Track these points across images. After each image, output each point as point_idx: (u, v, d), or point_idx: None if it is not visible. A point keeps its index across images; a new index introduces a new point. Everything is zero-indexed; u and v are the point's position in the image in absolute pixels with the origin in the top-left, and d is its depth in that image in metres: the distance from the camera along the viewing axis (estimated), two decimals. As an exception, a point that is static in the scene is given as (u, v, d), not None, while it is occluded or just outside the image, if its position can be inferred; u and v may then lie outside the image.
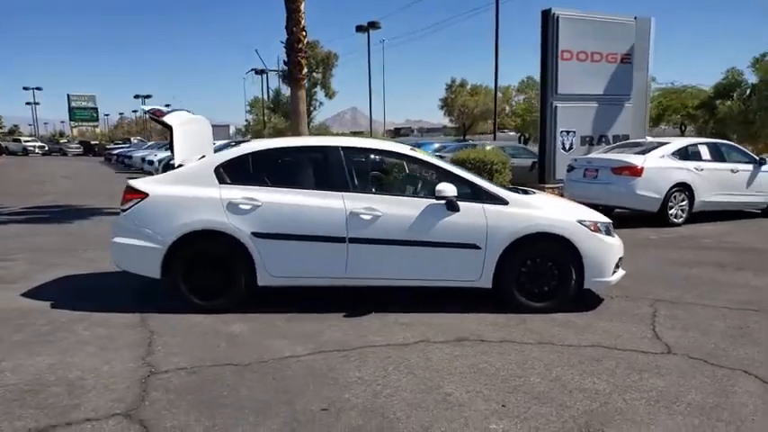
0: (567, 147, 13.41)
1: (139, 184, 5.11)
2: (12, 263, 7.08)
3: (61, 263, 7.07)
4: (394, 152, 5.46)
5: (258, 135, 45.71)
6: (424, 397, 3.42)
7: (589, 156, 11.56)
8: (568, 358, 4.02)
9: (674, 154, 10.42)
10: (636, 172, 9.99)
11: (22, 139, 63.60)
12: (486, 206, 4.99)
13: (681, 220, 10.22)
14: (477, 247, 4.95)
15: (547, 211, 5.12)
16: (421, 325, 4.71)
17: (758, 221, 10.87)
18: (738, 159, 11.06)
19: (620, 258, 5.26)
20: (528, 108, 45.38)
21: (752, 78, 20.81)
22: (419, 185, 5.61)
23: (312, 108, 48.83)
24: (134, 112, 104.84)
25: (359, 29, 32.78)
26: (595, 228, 5.09)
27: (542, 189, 9.85)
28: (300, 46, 10.79)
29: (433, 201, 4.94)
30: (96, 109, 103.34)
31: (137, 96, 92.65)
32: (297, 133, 10.80)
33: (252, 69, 50.51)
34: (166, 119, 5.38)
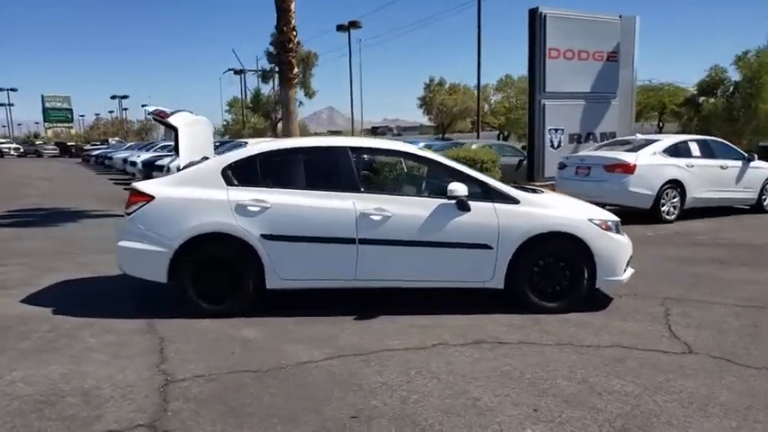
0: (556, 144, 13.48)
1: (145, 186, 4.96)
2: (6, 268, 6.86)
3: (56, 267, 6.86)
4: (403, 152, 5.39)
5: (237, 135, 45.20)
6: (452, 402, 3.35)
7: (581, 153, 11.62)
8: (590, 359, 3.99)
9: (665, 151, 10.53)
10: (628, 169, 10.07)
11: (-3, 141, 62.17)
12: (498, 205, 4.95)
13: (673, 216, 10.33)
14: (489, 247, 4.90)
15: (558, 210, 5.09)
16: (435, 327, 4.66)
17: (748, 217, 11.03)
18: (727, 156, 11.22)
19: (630, 257, 5.26)
20: (510, 107, 45.63)
21: (735, 76, 21.22)
22: (426, 185, 5.55)
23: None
24: (110, 112, 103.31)
25: (339, 28, 32.61)
26: (606, 226, 5.08)
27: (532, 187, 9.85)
28: (291, 46, 10.65)
29: (444, 201, 4.88)
30: (71, 110, 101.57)
31: (113, 97, 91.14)
32: (288, 133, 10.68)
33: (229, 69, 49.97)
34: (171, 120, 5.24)
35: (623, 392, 3.48)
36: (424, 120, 66.83)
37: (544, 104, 13.14)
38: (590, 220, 5.03)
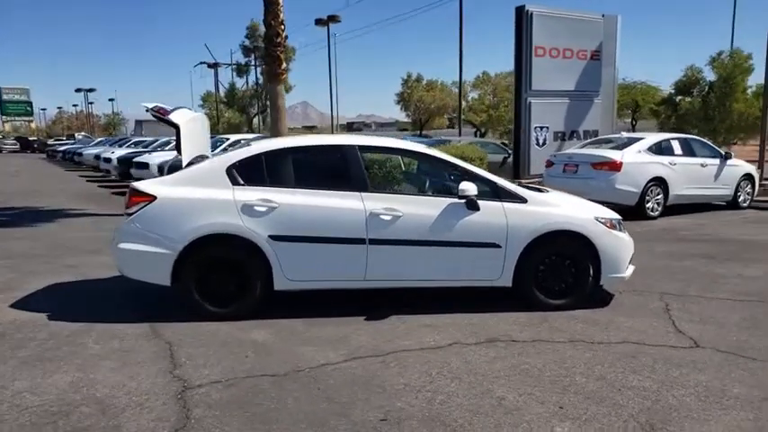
0: (541, 142, 13.63)
1: (146, 186, 4.84)
2: (-12, 271, 6.63)
3: (41, 270, 6.67)
4: (411, 151, 5.37)
5: (211, 130, 44.52)
6: (478, 402, 3.36)
7: (568, 151, 11.76)
8: (604, 356, 4.04)
9: (649, 149, 10.73)
10: (615, 167, 10.23)
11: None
12: (506, 204, 4.96)
13: (656, 213, 10.53)
14: (498, 246, 4.92)
15: (564, 208, 5.14)
16: (445, 326, 4.65)
17: (725, 213, 11.30)
18: (706, 154, 11.47)
19: (632, 254, 5.33)
20: (490, 104, 45.83)
21: (710, 76, 21.74)
22: (430, 184, 5.54)
23: (268, 102, 48.11)
24: (74, 106, 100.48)
25: (318, 22, 32.38)
26: (611, 225, 5.14)
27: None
28: (279, 40, 10.51)
29: (454, 200, 4.88)
30: (30, 103, 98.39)
31: (78, 90, 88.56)
32: (276, 129, 10.55)
33: (201, 62, 49.17)
34: (172, 117, 5.11)
35: (642, 388, 3.52)
36: (400, 116, 66.86)
37: (530, 102, 13.27)
38: (596, 218, 5.09)
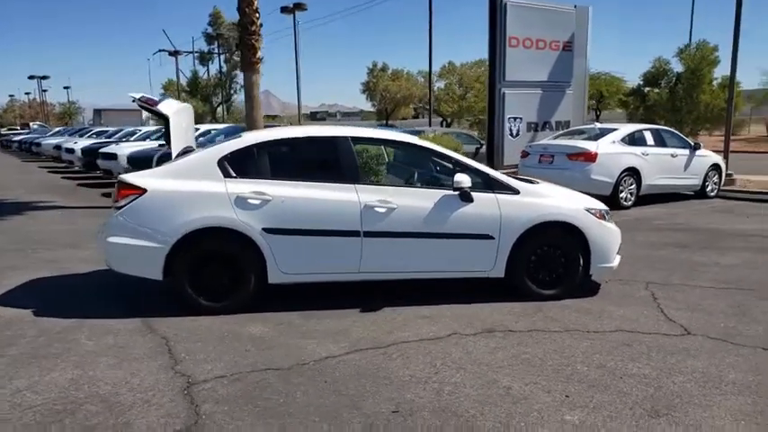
0: (515, 133, 13.75)
1: (135, 178, 4.72)
2: (-39, 266, 6.38)
3: (17, 265, 6.45)
4: (403, 142, 5.36)
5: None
6: (486, 392, 3.40)
7: (543, 142, 11.91)
8: (601, 345, 4.13)
9: (622, 140, 10.96)
10: (590, 157, 10.42)
11: None
12: (499, 196, 5.01)
13: (630, 203, 10.78)
14: (491, 238, 4.97)
15: (556, 199, 5.22)
16: (441, 317, 4.69)
17: (694, 203, 11.63)
18: (676, 144, 11.78)
19: (620, 244, 5.46)
20: (458, 94, 46.01)
21: (678, 67, 22.31)
22: (425, 176, 5.55)
23: (232, 91, 47.35)
24: (27, 93, 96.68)
25: (284, 10, 31.86)
26: (600, 215, 5.25)
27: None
28: (254, 28, 10.31)
29: (448, 192, 4.91)
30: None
31: (32, 77, 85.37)
32: (251, 120, 10.38)
33: (161, 50, 47.98)
34: (161, 108, 5.00)
35: (642, 375, 3.62)
36: (364, 105, 66.62)
37: (504, 93, 13.36)
38: (587, 209, 5.18)
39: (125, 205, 4.63)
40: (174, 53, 47.20)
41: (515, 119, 13.76)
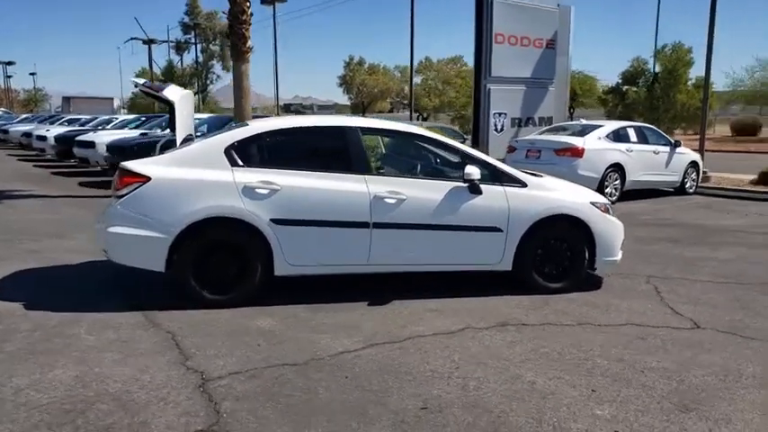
0: (499, 128, 13.79)
1: (138, 166, 4.52)
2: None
3: (2, 256, 6.16)
4: (412, 134, 5.28)
5: (147, 110, 42.73)
6: (511, 387, 3.34)
7: (530, 137, 11.95)
8: (616, 338, 4.12)
9: (607, 136, 11.07)
10: (577, 153, 10.49)
11: None
12: (507, 189, 4.97)
13: (614, 198, 10.88)
14: (500, 230, 4.92)
15: (562, 192, 5.20)
16: (450, 311, 4.63)
17: (675, 199, 11.84)
18: (658, 141, 11.97)
19: (623, 239, 5.47)
20: (431, 89, 46.12)
21: (655, 67, 22.70)
22: (432, 167, 5.47)
23: (209, 81, 46.57)
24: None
25: (264, 1, 31.44)
26: (605, 209, 5.25)
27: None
28: (245, 17, 10.06)
29: (457, 183, 4.85)
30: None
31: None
32: (240, 110, 10.15)
33: (133, 38, 46.76)
34: (166, 94, 4.80)
35: (662, 369, 3.61)
36: (339, 98, 66.27)
37: (489, 89, 13.37)
38: (592, 203, 5.17)
39: (127, 194, 4.44)
40: (149, 42, 46.11)
41: (500, 114, 13.79)
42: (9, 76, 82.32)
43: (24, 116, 34.68)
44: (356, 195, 4.64)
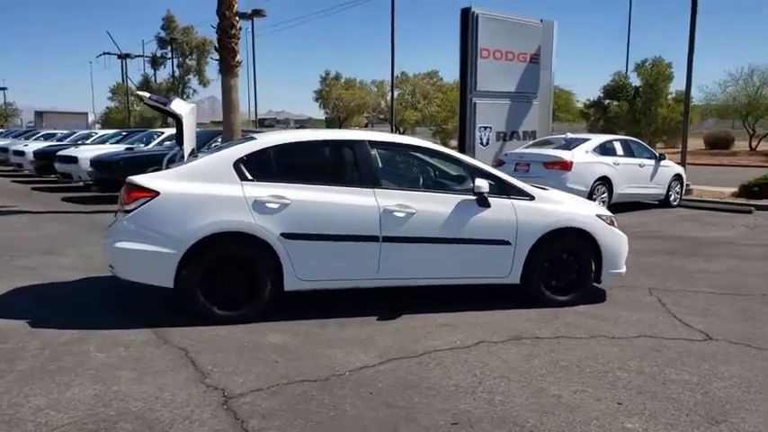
0: (485, 142, 13.90)
1: (146, 180, 4.43)
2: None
3: (-4, 273, 5.98)
4: (420, 147, 5.27)
5: (122, 124, 42.19)
6: (537, 401, 3.33)
7: (518, 150, 12.07)
8: (631, 350, 4.14)
9: (595, 149, 11.25)
10: (566, 166, 10.63)
11: None
12: (516, 202, 4.99)
13: (603, 211, 11.02)
14: (508, 243, 4.93)
15: (569, 205, 5.25)
16: (462, 325, 4.61)
17: (660, 211, 12.03)
18: (643, 155, 12.19)
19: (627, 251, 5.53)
20: (418, 103, 46.34)
21: (636, 81, 23.24)
22: (439, 181, 5.47)
23: (185, 96, 46.15)
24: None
25: (242, 16, 31.32)
26: (610, 222, 5.31)
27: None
28: (234, 31, 10.02)
29: (466, 197, 4.85)
30: None
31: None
32: (229, 123, 10.06)
33: (105, 53, 46.20)
34: (174, 108, 4.73)
35: (684, 381, 3.63)
36: (313, 113, 66.09)
37: (475, 103, 13.48)
38: (598, 215, 5.22)
39: (135, 208, 4.34)
40: (123, 56, 45.58)
41: (485, 128, 13.90)
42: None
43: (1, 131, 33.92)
44: (366, 209, 4.62)
